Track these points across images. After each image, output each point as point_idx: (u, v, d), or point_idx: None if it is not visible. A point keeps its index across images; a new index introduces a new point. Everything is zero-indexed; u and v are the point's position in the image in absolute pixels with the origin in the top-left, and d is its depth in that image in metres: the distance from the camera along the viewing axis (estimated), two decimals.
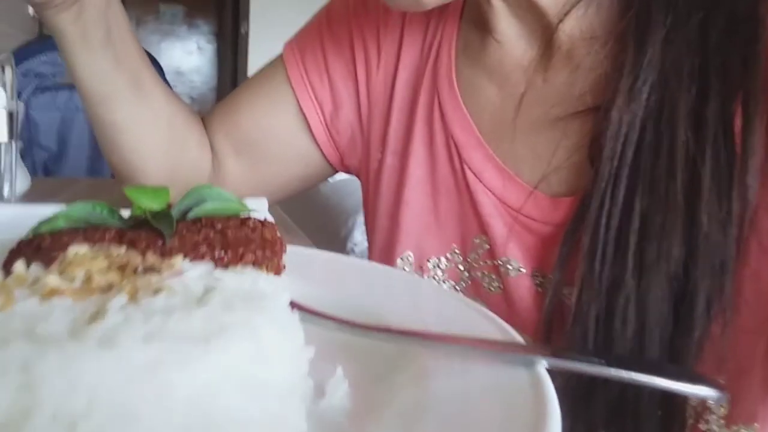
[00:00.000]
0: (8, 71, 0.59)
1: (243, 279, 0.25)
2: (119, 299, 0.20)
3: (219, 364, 0.18)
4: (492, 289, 0.50)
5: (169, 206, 0.37)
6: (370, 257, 0.61)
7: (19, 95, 1.71)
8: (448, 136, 0.54)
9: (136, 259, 0.25)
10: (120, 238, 0.33)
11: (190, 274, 0.25)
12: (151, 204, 0.36)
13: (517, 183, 0.49)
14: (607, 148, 0.41)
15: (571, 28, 0.48)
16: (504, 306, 0.50)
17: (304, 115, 0.62)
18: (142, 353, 0.17)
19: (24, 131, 1.79)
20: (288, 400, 0.20)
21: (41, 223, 0.34)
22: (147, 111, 0.59)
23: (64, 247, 0.32)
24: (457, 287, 0.53)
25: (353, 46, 0.61)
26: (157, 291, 0.22)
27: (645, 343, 0.40)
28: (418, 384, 0.26)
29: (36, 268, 0.24)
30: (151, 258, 0.25)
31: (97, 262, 0.23)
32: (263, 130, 0.64)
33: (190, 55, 4.71)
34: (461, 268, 0.52)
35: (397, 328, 0.28)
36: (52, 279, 0.21)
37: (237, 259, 0.34)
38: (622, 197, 0.41)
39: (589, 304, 0.41)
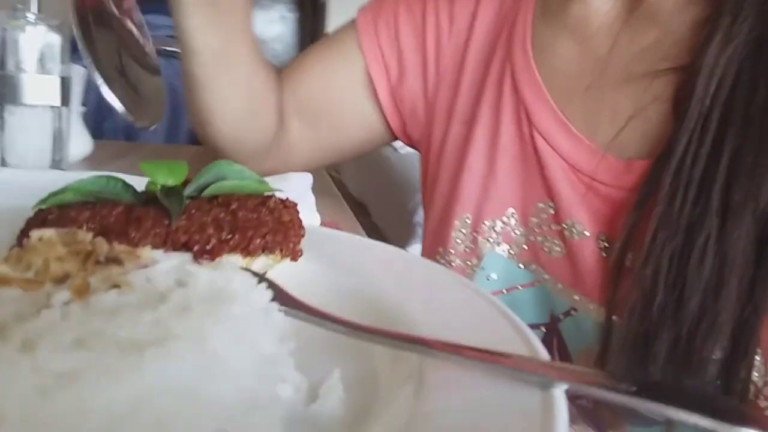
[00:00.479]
0: (59, 38, 0.59)
1: (217, 276, 0.23)
2: (63, 294, 0.18)
3: (153, 378, 0.16)
4: (553, 253, 0.51)
5: (186, 182, 0.36)
6: (426, 225, 0.62)
7: None
8: (519, 100, 0.54)
9: (102, 247, 0.23)
10: (127, 214, 0.32)
11: (160, 267, 0.23)
12: (167, 179, 0.35)
13: (587, 146, 0.49)
14: (699, 87, 0.41)
15: None
16: (567, 269, 0.50)
17: (371, 79, 0.63)
18: (61, 362, 0.15)
19: (105, 100, 1.85)
20: (245, 418, 0.17)
21: (50, 195, 0.32)
22: (229, 76, 0.58)
23: (70, 221, 0.31)
24: (511, 250, 0.53)
25: (425, 17, 0.61)
26: (113, 286, 0.20)
27: (722, 285, 0.39)
28: (419, 396, 0.23)
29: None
30: (118, 247, 0.23)
31: (57, 249, 0.21)
32: (329, 92, 0.65)
33: (272, 23, 4.76)
34: (516, 232, 0.53)
35: (400, 334, 0.25)
36: (2, 267, 0.20)
37: (246, 243, 0.32)
38: (711, 136, 0.40)
39: (664, 243, 0.40)
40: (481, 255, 0.55)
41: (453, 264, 0.56)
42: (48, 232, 0.23)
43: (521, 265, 0.53)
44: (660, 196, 0.42)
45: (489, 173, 0.55)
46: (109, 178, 0.34)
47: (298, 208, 0.36)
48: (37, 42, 0.59)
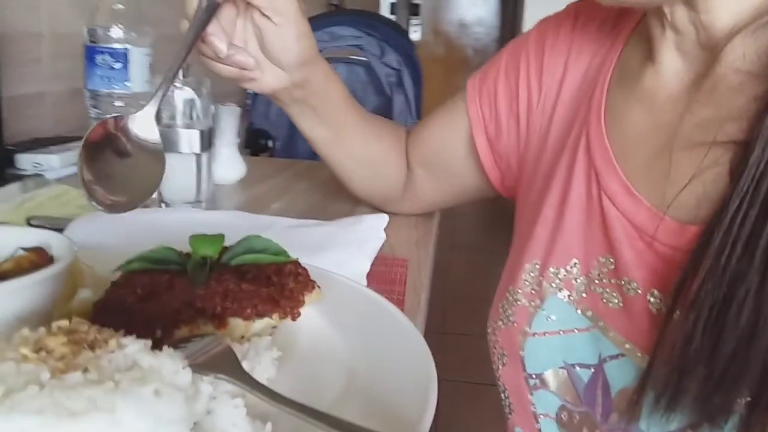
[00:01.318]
0: (199, 99, 0.74)
1: (154, 361, 0.32)
2: (45, 374, 0.30)
3: None
4: (611, 304, 0.55)
5: (223, 251, 0.47)
6: (507, 262, 0.68)
7: None
8: (590, 162, 0.58)
9: (90, 335, 0.34)
10: (170, 282, 0.44)
11: (123, 351, 0.33)
12: (207, 251, 0.46)
13: (648, 208, 0.53)
14: (755, 153, 0.44)
15: (732, 58, 0.50)
16: (623, 320, 0.54)
17: (474, 141, 0.73)
18: (21, 421, 0.26)
19: None
20: None
21: (128, 262, 0.46)
22: (345, 152, 0.77)
23: (134, 284, 0.44)
24: (571, 296, 0.58)
25: (519, 86, 0.69)
26: (81, 368, 0.30)
27: (756, 335, 0.42)
28: None
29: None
30: (100, 335, 0.33)
31: (60, 337, 0.32)
32: (443, 148, 0.77)
33: (474, 6, 4.80)
34: (577, 281, 0.58)
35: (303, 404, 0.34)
36: (24, 350, 0.32)
37: (242, 310, 0.42)
38: (761, 199, 0.43)
39: (709, 292, 0.44)
40: (544, 297, 0.59)
41: (519, 302, 0.61)
42: (63, 322, 0.34)
43: (579, 311, 0.57)
44: (710, 250, 0.45)
45: (558, 225, 0.60)
46: (168, 248, 0.46)
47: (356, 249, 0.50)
48: (184, 101, 0.75)
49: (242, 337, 0.43)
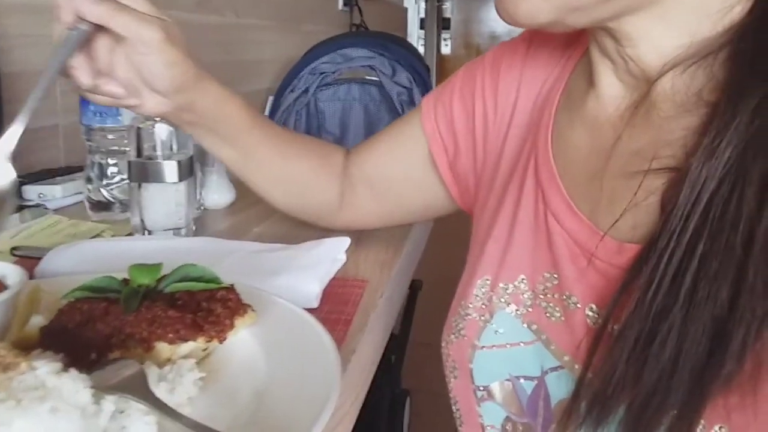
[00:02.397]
0: (175, 132, 0.79)
1: (58, 381, 0.36)
2: None
3: None
4: (553, 318, 0.57)
5: (160, 280, 0.51)
6: (461, 279, 0.70)
7: (307, 90, 2.03)
8: (537, 181, 0.61)
9: (7, 358, 0.38)
10: (106, 309, 0.48)
11: (34, 373, 0.37)
12: (144, 279, 0.50)
13: (588, 226, 0.55)
14: (683, 194, 0.46)
15: (665, 89, 0.53)
16: (563, 333, 0.56)
17: (433, 158, 0.75)
18: None
19: (314, 119, 2.12)
20: None
21: (72, 291, 0.50)
22: (258, 173, 0.77)
23: (75, 312, 0.48)
24: (518, 311, 0.60)
25: (474, 105, 0.72)
26: None
27: (676, 370, 0.44)
28: None
29: None
30: (14, 359, 0.38)
31: None
32: (395, 166, 0.79)
33: None
34: (525, 296, 0.60)
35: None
36: None
37: (165, 335, 0.46)
38: (687, 239, 0.45)
39: (635, 326, 0.46)
40: (493, 312, 0.61)
41: (469, 316, 0.63)
42: None
43: (525, 325, 0.59)
44: (639, 283, 0.47)
45: (509, 242, 0.62)
46: (109, 277, 0.51)
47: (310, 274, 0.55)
48: (162, 135, 0.80)
49: (168, 359, 0.47)
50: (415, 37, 5.20)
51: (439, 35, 5.42)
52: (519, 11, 0.51)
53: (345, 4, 2.73)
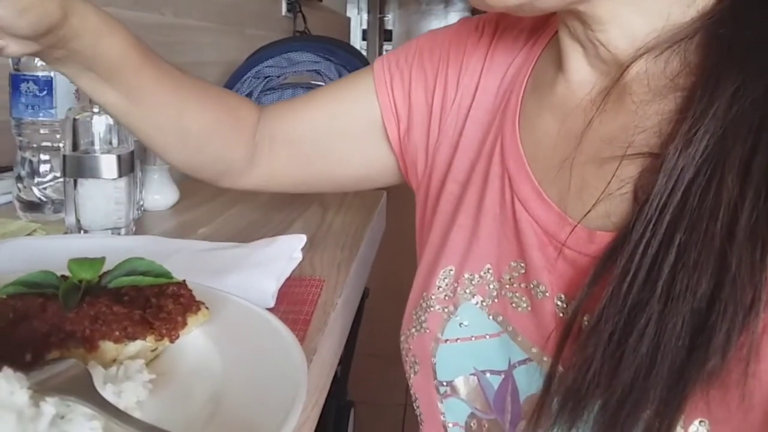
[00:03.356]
0: (103, 122, 0.74)
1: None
2: None
3: None
4: (520, 308, 0.55)
5: (103, 276, 0.46)
6: (418, 269, 0.66)
7: (250, 94, 1.98)
8: (504, 168, 0.59)
9: None
10: (43, 306, 0.43)
11: None
12: (85, 274, 0.46)
13: (558, 214, 0.53)
14: (659, 183, 0.45)
15: (638, 74, 0.51)
16: (530, 324, 0.54)
17: (384, 126, 0.70)
18: None
19: None
20: None
21: (5, 286, 0.45)
22: (146, 122, 0.64)
23: (8, 309, 0.43)
24: (483, 302, 0.58)
25: (436, 79, 0.68)
26: None
27: (654, 366, 0.42)
28: None
29: None
30: None
31: None
32: (336, 129, 0.71)
33: None
34: (490, 286, 0.58)
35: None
36: None
37: (111, 333, 0.42)
38: (663, 229, 0.44)
39: (609, 319, 0.44)
40: (457, 304, 0.59)
41: (432, 308, 0.60)
42: None
43: (490, 317, 0.57)
44: (612, 276, 0.46)
45: (474, 231, 0.60)
46: (47, 272, 0.46)
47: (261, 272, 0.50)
48: (100, 128, 0.74)
49: (114, 360, 0.42)
50: (358, 47, 5.19)
51: (381, 46, 5.44)
52: None
53: (288, 11, 2.70)
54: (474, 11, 0.66)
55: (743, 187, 0.42)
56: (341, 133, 0.71)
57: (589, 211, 0.50)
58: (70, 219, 0.76)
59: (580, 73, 0.56)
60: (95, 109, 0.75)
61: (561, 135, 0.56)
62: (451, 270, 0.60)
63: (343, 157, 0.72)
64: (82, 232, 0.75)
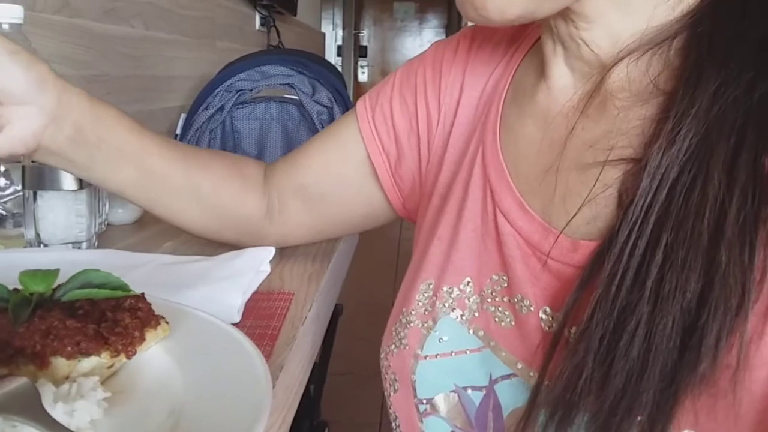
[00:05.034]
0: None
1: None
2: None
3: None
4: (503, 323, 0.54)
5: (56, 289, 0.44)
6: (402, 285, 0.66)
7: (222, 108, 1.96)
8: (485, 179, 0.58)
9: None
10: None
11: None
12: (37, 287, 0.43)
13: (541, 225, 0.52)
14: (643, 184, 0.44)
15: (620, 78, 0.51)
16: (515, 339, 0.53)
17: (371, 163, 0.70)
18: None
19: (230, 139, 2.03)
20: None
21: None
22: (161, 189, 0.68)
23: None
24: (463, 316, 0.57)
25: (417, 105, 0.68)
26: None
27: (646, 368, 0.42)
28: None
29: None
30: None
31: None
32: (332, 175, 0.73)
33: (420, 47, 4.92)
34: (470, 300, 0.57)
35: None
36: None
37: (63, 348, 0.39)
38: (650, 229, 0.43)
39: (599, 322, 0.44)
40: (436, 318, 0.58)
41: (412, 324, 0.59)
42: None
43: (471, 331, 0.56)
44: (600, 279, 0.45)
45: (453, 243, 0.59)
46: None
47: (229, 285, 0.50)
48: None
49: (67, 377, 0.40)
50: (333, 63, 5.20)
51: (356, 62, 5.46)
52: (488, 5, 0.49)
53: (262, 25, 2.68)
54: (448, 33, 0.66)
55: (730, 183, 0.41)
56: (337, 178, 0.73)
57: (574, 216, 0.49)
58: (30, 233, 0.74)
59: (563, 79, 0.56)
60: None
61: (544, 143, 0.56)
62: (431, 284, 0.59)
63: (344, 200, 0.74)
64: (41, 246, 0.73)
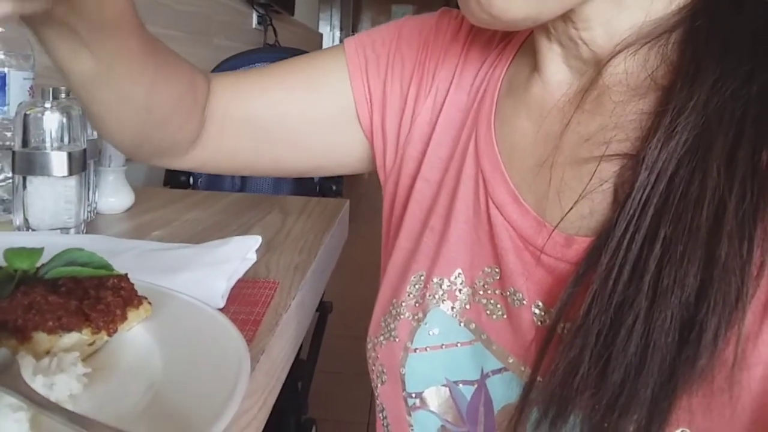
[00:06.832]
0: (68, 120, 0.72)
1: None
2: None
3: None
4: (495, 316, 0.53)
5: (40, 267, 0.45)
6: (386, 271, 0.63)
7: None
8: (479, 169, 0.57)
9: None
10: None
11: None
12: (21, 264, 0.44)
13: (534, 218, 0.52)
14: (641, 178, 0.44)
15: (617, 73, 0.51)
16: (507, 332, 0.52)
17: (357, 112, 0.65)
18: None
19: None
20: None
21: None
22: (114, 94, 0.55)
23: None
24: (453, 308, 0.56)
25: (413, 69, 0.65)
26: None
27: (644, 364, 0.41)
28: None
29: None
30: None
31: None
32: (307, 117, 0.66)
33: None
34: (461, 292, 0.56)
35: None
36: None
37: (44, 323, 0.40)
38: (647, 223, 0.43)
39: (595, 318, 0.43)
40: (426, 310, 0.57)
41: (402, 316, 0.58)
42: None
43: (462, 324, 0.55)
44: (596, 274, 0.44)
45: (444, 234, 0.58)
46: None
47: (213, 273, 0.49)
48: (52, 125, 0.73)
49: (48, 351, 0.41)
50: None
51: None
52: (493, 4, 0.48)
53: (259, 23, 2.69)
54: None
55: (728, 177, 0.41)
56: (310, 121, 0.66)
57: (569, 211, 0.49)
58: (18, 218, 0.74)
59: (558, 75, 0.55)
60: (47, 105, 0.73)
61: (539, 137, 0.55)
62: (422, 275, 0.58)
63: (305, 145, 0.67)
64: (30, 231, 0.73)
